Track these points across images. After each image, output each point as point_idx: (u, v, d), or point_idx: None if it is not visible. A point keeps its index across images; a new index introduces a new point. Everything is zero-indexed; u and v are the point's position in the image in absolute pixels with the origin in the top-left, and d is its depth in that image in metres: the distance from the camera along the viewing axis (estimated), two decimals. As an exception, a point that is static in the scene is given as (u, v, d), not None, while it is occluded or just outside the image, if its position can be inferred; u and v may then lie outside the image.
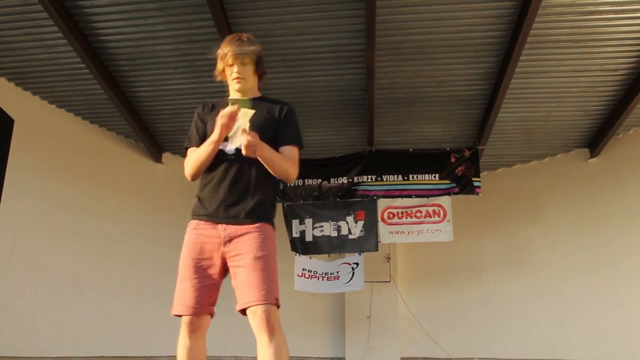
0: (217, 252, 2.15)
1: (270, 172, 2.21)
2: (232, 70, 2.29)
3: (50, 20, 4.80)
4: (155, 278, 6.49)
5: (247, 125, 2.10)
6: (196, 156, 2.23)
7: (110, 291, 6.35)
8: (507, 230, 6.96)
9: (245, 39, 2.30)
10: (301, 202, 6.36)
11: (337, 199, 6.32)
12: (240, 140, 2.12)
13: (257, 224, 2.17)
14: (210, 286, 2.15)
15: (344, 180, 6.34)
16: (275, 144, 2.25)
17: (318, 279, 6.29)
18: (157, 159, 6.98)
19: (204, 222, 2.20)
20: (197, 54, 5.30)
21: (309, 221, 6.32)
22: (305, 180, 6.34)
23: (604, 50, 5.18)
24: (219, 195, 2.20)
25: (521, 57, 4.97)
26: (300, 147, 2.33)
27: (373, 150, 6.43)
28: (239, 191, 2.19)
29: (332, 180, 6.34)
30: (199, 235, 2.19)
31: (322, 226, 6.29)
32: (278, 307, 2.08)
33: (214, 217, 2.19)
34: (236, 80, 2.29)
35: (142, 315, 6.43)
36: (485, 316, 6.79)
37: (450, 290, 6.96)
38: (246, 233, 2.14)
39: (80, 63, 5.34)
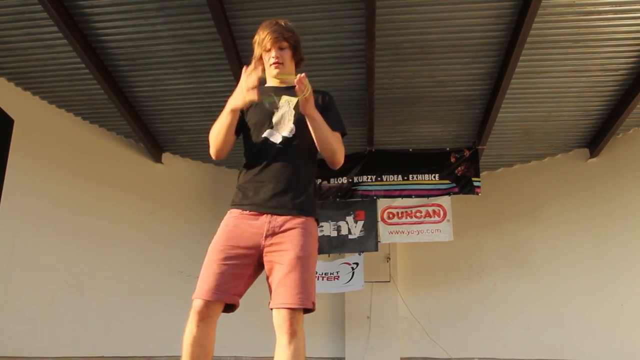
0: (256, 243, 2.03)
1: (318, 145, 2.11)
2: (269, 56, 2.21)
3: (50, 20, 4.80)
4: (155, 278, 6.51)
5: (292, 113, 2.08)
6: (216, 130, 2.11)
7: (110, 291, 6.35)
8: (507, 230, 6.96)
9: (283, 24, 2.24)
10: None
11: (337, 199, 6.32)
12: (287, 128, 2.12)
13: (303, 219, 2.07)
14: (239, 275, 2.01)
15: (344, 180, 6.33)
16: None
17: (318, 279, 6.28)
18: (157, 159, 6.98)
19: (247, 211, 2.08)
20: (197, 54, 5.30)
21: (308, 221, 6.33)
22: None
23: (604, 50, 5.18)
24: (265, 185, 2.09)
25: (521, 57, 4.98)
26: (344, 134, 2.24)
27: (373, 150, 6.43)
28: (286, 181, 2.09)
29: (332, 180, 6.33)
30: (240, 223, 2.06)
31: (321, 226, 6.28)
32: (314, 310, 2.01)
33: (259, 207, 2.07)
34: (274, 65, 2.20)
35: (142, 315, 6.42)
36: (485, 316, 6.79)
37: (450, 290, 6.96)
38: (291, 228, 2.04)
39: (80, 63, 5.34)
